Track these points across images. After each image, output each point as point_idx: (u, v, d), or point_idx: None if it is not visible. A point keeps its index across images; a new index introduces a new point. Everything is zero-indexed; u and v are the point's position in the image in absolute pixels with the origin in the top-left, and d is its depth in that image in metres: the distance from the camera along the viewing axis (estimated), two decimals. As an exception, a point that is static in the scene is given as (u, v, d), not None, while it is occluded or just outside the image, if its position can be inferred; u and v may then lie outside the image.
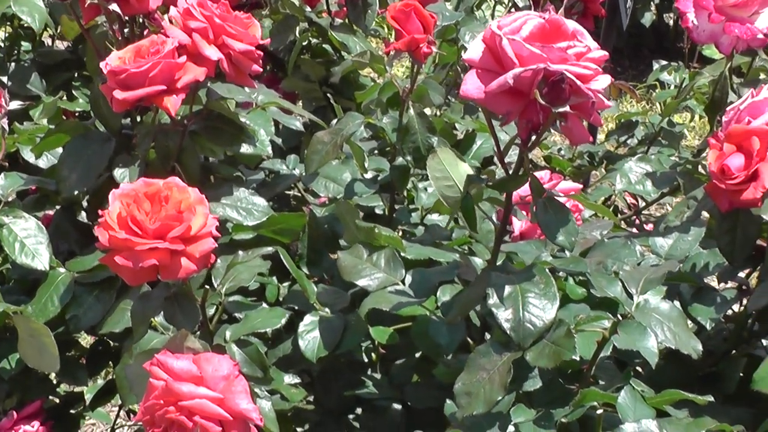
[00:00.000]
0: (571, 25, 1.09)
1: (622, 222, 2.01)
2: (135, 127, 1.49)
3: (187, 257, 1.17)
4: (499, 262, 1.25)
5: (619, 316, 1.21)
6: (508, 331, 1.11)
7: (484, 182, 1.18)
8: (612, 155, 2.23)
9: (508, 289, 1.13)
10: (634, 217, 1.98)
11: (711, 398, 1.16)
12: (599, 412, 1.12)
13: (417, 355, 1.41)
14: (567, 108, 1.05)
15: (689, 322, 1.45)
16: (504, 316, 1.12)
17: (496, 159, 1.42)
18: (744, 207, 1.36)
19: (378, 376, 1.43)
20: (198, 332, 1.32)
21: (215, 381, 1.13)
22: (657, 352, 1.18)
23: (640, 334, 1.19)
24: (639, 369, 1.42)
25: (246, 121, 1.50)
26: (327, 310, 1.37)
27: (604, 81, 1.07)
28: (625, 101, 4.33)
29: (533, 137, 1.13)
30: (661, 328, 1.22)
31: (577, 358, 1.12)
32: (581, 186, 1.63)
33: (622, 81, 2.20)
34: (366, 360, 1.45)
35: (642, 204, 2.00)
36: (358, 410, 1.43)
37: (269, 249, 1.32)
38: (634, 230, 1.90)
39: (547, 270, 1.15)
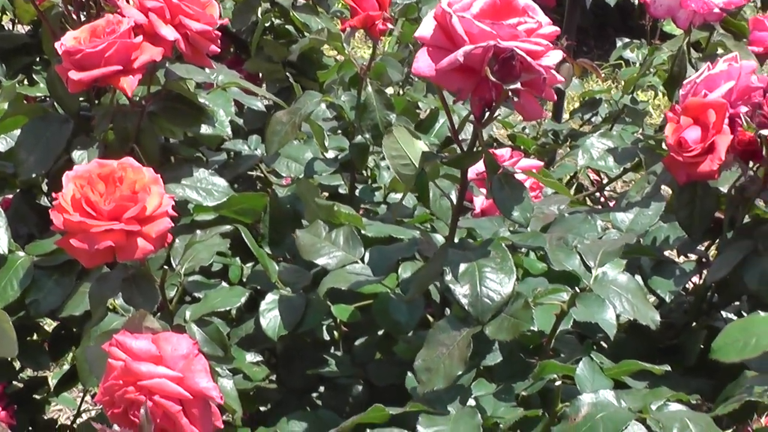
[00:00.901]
0: (522, 1, 1.09)
1: (587, 199, 2.02)
2: (93, 109, 1.48)
3: (144, 237, 1.16)
4: (458, 239, 1.25)
5: (577, 289, 1.21)
6: (466, 307, 1.11)
7: (439, 159, 1.17)
8: (576, 133, 2.23)
9: (464, 265, 1.13)
10: (598, 193, 1.99)
11: (668, 368, 1.17)
12: (558, 383, 1.13)
13: (380, 333, 1.41)
14: (518, 84, 1.05)
15: (650, 295, 1.46)
16: (461, 291, 1.12)
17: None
18: (701, 179, 1.37)
19: (340, 354, 1.43)
20: (159, 313, 1.32)
21: (174, 360, 1.12)
22: (615, 323, 1.19)
23: (598, 306, 1.19)
24: (603, 344, 1.43)
25: (205, 101, 1.49)
26: (288, 289, 1.37)
27: (555, 57, 1.07)
28: (591, 80, 4.34)
29: (487, 114, 1.13)
30: (619, 299, 1.22)
31: (535, 329, 1.13)
32: (542, 163, 1.63)
33: (587, 60, 2.21)
34: (328, 338, 1.45)
35: (605, 181, 2.01)
36: (321, 389, 1.43)
37: (227, 227, 1.31)
38: (599, 207, 1.91)
39: (503, 245, 1.15)
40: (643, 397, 1.12)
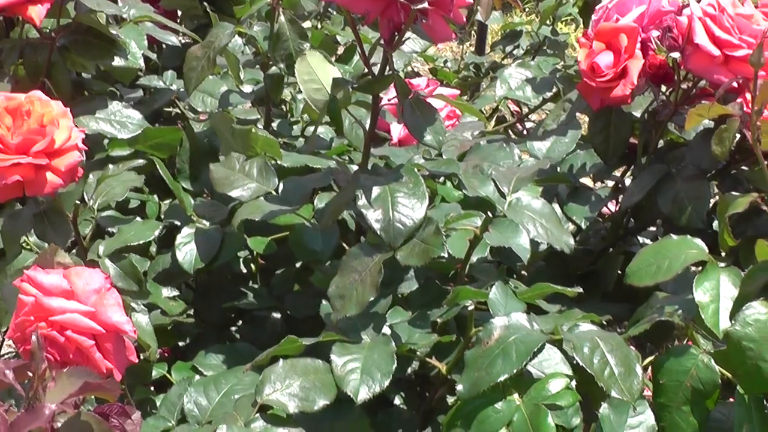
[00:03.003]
0: None
1: (508, 130, 2.02)
2: (1, 42, 1.44)
3: (53, 171, 1.14)
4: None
5: (490, 214, 1.21)
6: (378, 232, 1.11)
7: (350, 84, 1.16)
8: (498, 66, 2.23)
9: (377, 190, 1.12)
10: (519, 124, 1.99)
11: (580, 290, 1.18)
12: (470, 308, 1.13)
13: (298, 265, 1.41)
14: (425, 4, 1.04)
15: (570, 224, 1.47)
16: (374, 216, 1.11)
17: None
18: (615, 104, 1.37)
19: (258, 287, 1.42)
20: (74, 250, 1.30)
21: (86, 295, 1.11)
22: (529, 248, 1.19)
23: (512, 232, 1.20)
24: (524, 273, 1.44)
25: (117, 34, 1.46)
26: (205, 222, 1.36)
27: (461, -25, 1.06)
28: (515, 15, 4.33)
29: (396, 37, 1.12)
30: (533, 224, 1.23)
31: (446, 255, 1.12)
32: (459, 92, 1.63)
33: (509, -8, 2.20)
34: (246, 272, 1.45)
35: (526, 112, 2.01)
36: (240, 323, 1.42)
37: (140, 161, 1.30)
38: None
39: (416, 170, 1.15)
40: (555, 319, 1.12)
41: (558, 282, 1.24)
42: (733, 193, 1.06)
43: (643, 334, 1.25)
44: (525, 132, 2.11)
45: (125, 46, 1.43)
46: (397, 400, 1.24)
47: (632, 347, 1.31)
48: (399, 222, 1.11)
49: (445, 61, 2.29)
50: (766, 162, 1.04)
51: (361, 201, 1.12)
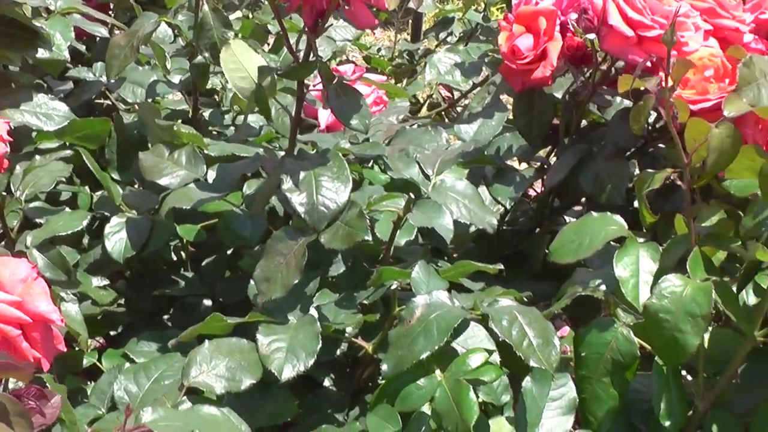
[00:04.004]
0: None
1: (442, 115, 2.04)
2: None
3: (-24, 163, 1.15)
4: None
5: (411, 195, 1.23)
6: (302, 215, 1.12)
7: (275, 72, 1.18)
8: (431, 53, 2.24)
9: (302, 174, 1.14)
10: (450, 109, 2.01)
11: (501, 266, 1.20)
12: (394, 287, 1.15)
13: (229, 252, 1.42)
14: (347, -9, 1.05)
15: (498, 205, 1.49)
16: (298, 200, 1.12)
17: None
18: (536, 86, 1.40)
19: (190, 275, 1.43)
20: (2, 242, 1.30)
21: (13, 285, 1.11)
22: (452, 228, 1.21)
23: (435, 212, 1.22)
24: (454, 255, 1.46)
25: (42, 26, 1.46)
26: (134, 212, 1.37)
27: (383, -38, 1.08)
28: (452, 2, 4.35)
29: (320, 23, 1.13)
30: (456, 205, 1.25)
31: (370, 237, 1.14)
32: (386, 77, 1.64)
33: (440, -21, 2.22)
34: (176, 259, 1.46)
35: (457, 97, 2.03)
36: (172, 311, 1.43)
37: (67, 152, 1.30)
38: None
39: (340, 154, 1.16)
40: (476, 295, 1.14)
41: (487, 263, 1.26)
42: (650, 170, 1.08)
43: (577, 311, 1.28)
44: (455, 115, 2.13)
45: (50, 38, 1.43)
46: (327, 382, 1.25)
47: (568, 326, 1.35)
48: (323, 205, 1.12)
49: (379, 50, 2.31)
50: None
51: (286, 185, 1.13)
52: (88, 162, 1.34)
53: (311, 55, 1.18)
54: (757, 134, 1.18)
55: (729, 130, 0.99)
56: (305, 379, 1.25)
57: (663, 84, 1.03)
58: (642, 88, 1.05)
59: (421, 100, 2.23)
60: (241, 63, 1.21)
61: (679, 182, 1.04)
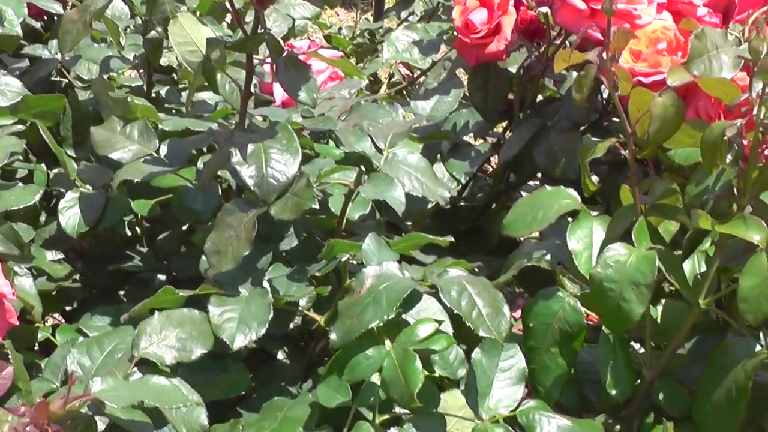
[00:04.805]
0: None
1: (403, 93, 2.04)
2: None
3: (-75, 136, 1.14)
4: (250, 126, 1.26)
5: (362, 168, 1.23)
6: (252, 187, 1.12)
7: (223, 44, 1.17)
8: (392, 32, 2.24)
9: (251, 147, 1.14)
10: (410, 87, 2.01)
11: (451, 238, 1.20)
12: (344, 259, 1.15)
13: (185, 228, 1.42)
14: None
15: (455, 182, 1.50)
16: (247, 173, 1.13)
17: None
18: (490, 61, 1.40)
19: (145, 250, 1.43)
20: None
21: (-38, 259, 1.11)
22: (404, 201, 1.21)
23: (387, 185, 1.22)
24: (412, 231, 1.46)
25: (-8, 3, 1.45)
26: (89, 187, 1.36)
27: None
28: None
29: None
30: (408, 178, 1.25)
31: (317, 206, 1.14)
32: (341, 53, 1.64)
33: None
34: (131, 234, 1.45)
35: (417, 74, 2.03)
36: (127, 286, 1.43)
37: (19, 126, 1.29)
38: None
39: (289, 126, 1.16)
40: (426, 267, 1.15)
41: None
42: (593, 138, 1.09)
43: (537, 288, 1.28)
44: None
45: (2, 14, 1.42)
46: (281, 355, 1.26)
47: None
48: (272, 177, 1.12)
49: (340, 29, 2.31)
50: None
51: (235, 158, 1.13)
52: (44, 134, 1.33)
53: (259, 27, 1.17)
54: (709, 107, 1.19)
55: (672, 99, 1.00)
56: (260, 352, 1.26)
57: (605, 54, 1.03)
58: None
59: (384, 80, 2.23)
60: (189, 36, 1.21)
61: (622, 151, 1.04)
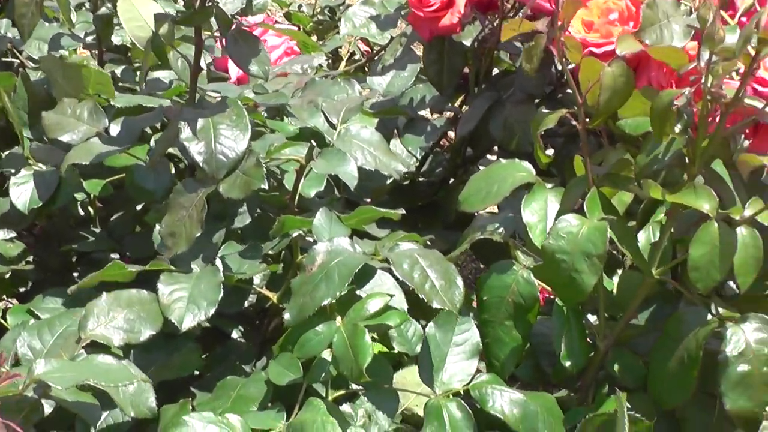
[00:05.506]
0: None
1: (362, 70, 2.02)
2: None
3: None
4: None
5: (314, 144, 1.22)
6: (201, 164, 1.11)
7: (172, 19, 1.16)
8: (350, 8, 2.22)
9: (200, 122, 1.12)
10: (369, 63, 1.99)
11: (402, 211, 1.19)
12: (295, 235, 1.14)
13: (139, 207, 1.40)
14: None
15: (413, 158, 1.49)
16: (196, 149, 1.11)
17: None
18: (444, 34, 1.39)
19: (99, 231, 1.41)
20: None
21: None
22: (356, 175, 1.20)
23: (339, 160, 1.21)
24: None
25: (-57, -18, 1.43)
26: (42, 165, 1.34)
27: None
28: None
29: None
30: (361, 152, 1.24)
31: (266, 186, 1.13)
32: (295, 28, 1.63)
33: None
34: (83, 214, 1.44)
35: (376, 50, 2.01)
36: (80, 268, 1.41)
37: (-35, 105, 1.27)
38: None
39: (239, 102, 1.15)
40: (378, 242, 1.14)
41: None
42: (546, 110, 1.08)
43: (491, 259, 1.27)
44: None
45: (-50, -7, 1.40)
46: (236, 334, 1.25)
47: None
48: (221, 154, 1.11)
49: (300, 6, 2.29)
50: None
51: (184, 134, 1.12)
52: (5, 105, 1.31)
53: (207, 0, 1.16)
54: (661, 77, 1.18)
55: (621, 69, 0.99)
56: (214, 331, 1.25)
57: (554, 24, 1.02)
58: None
59: (344, 57, 2.21)
60: (137, 12, 1.19)
61: (573, 122, 1.03)
